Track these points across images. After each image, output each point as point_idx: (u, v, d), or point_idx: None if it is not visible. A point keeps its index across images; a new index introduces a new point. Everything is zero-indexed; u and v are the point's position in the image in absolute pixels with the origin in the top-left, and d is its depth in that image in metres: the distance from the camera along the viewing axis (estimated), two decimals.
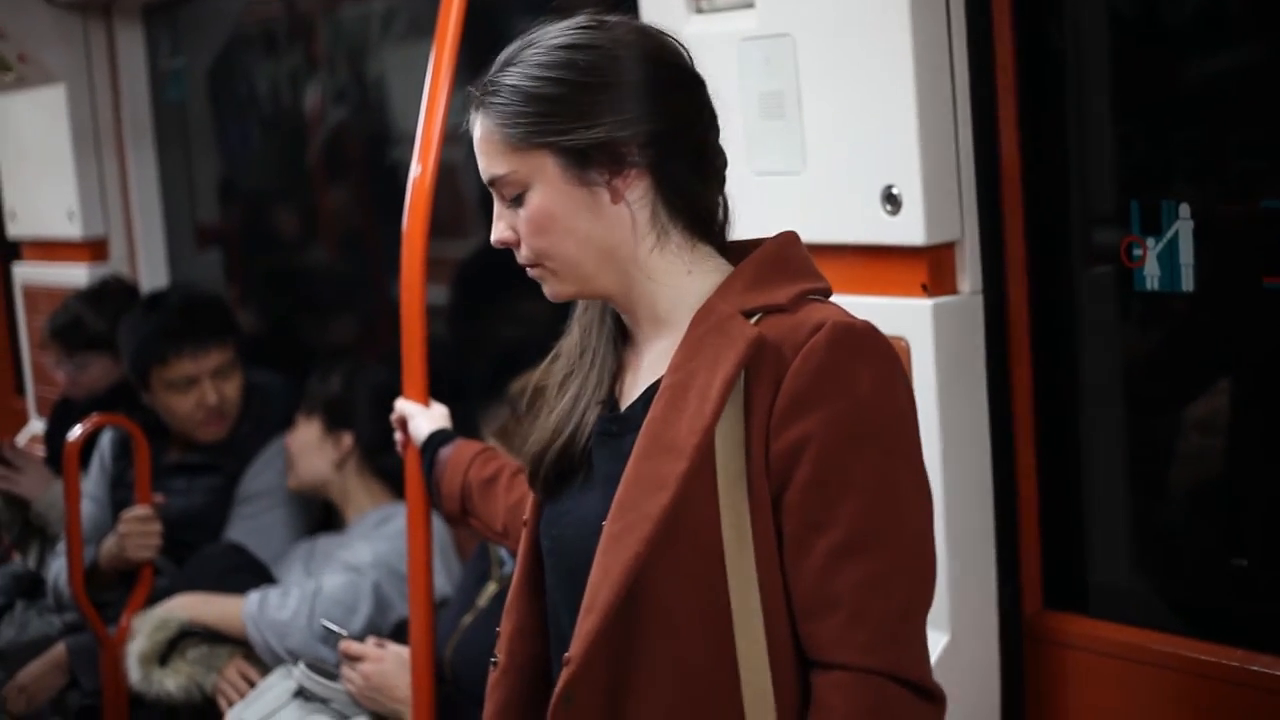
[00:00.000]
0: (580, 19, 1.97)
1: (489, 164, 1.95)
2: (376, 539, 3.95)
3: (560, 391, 2.08)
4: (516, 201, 1.95)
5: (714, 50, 2.94)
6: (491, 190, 1.98)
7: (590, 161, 1.91)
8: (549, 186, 1.92)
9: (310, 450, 4.19)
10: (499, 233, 1.99)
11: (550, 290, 2.00)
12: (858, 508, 1.83)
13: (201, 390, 4.44)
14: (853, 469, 1.84)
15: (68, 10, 5.72)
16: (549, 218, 1.93)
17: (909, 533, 1.87)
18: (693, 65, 2.00)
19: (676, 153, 1.95)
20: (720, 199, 2.02)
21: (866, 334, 1.88)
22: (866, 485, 1.84)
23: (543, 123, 1.90)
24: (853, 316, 1.91)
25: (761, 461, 1.85)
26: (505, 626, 2.11)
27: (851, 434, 1.84)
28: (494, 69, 1.97)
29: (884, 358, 1.89)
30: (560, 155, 1.91)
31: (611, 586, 1.84)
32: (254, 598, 3.91)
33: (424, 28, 4.50)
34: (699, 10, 3.05)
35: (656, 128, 1.92)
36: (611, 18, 1.99)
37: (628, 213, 1.94)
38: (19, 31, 5.66)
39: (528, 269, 2.00)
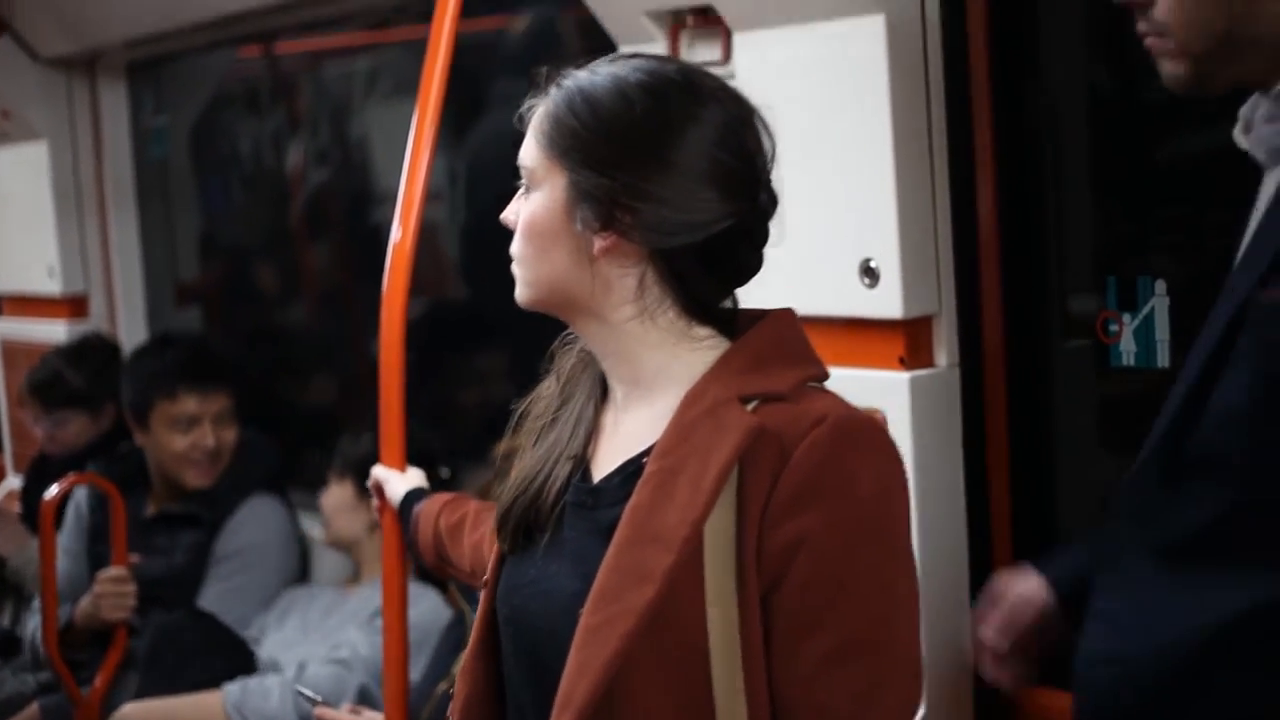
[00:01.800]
0: (678, 68, 1.88)
1: (524, 149, 1.89)
2: (372, 632, 3.91)
3: (535, 440, 2.01)
4: (526, 194, 1.89)
5: None
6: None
7: (585, 204, 1.83)
8: (550, 201, 1.85)
9: (344, 511, 4.20)
10: (507, 212, 1.92)
11: (517, 293, 1.93)
12: (852, 613, 1.76)
13: (202, 431, 4.46)
14: (849, 572, 1.76)
15: (52, 67, 5.74)
16: (535, 230, 1.87)
17: (902, 640, 1.80)
18: (760, 169, 1.88)
19: (687, 247, 1.84)
20: (733, 296, 1.92)
21: (870, 430, 1.82)
22: (862, 590, 1.76)
23: (568, 142, 1.83)
24: (855, 409, 1.83)
25: (753, 557, 1.75)
26: (460, 689, 2.03)
27: (850, 535, 1.75)
28: (578, 66, 1.89)
29: (886, 456, 1.81)
30: (572, 186, 1.83)
31: (589, 684, 1.74)
32: (234, 690, 3.91)
33: (407, 88, 4.53)
34: None
35: (669, 215, 1.81)
36: (712, 78, 1.88)
37: (605, 275, 1.85)
38: (3, 87, 5.69)
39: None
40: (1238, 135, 1.93)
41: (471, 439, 3.81)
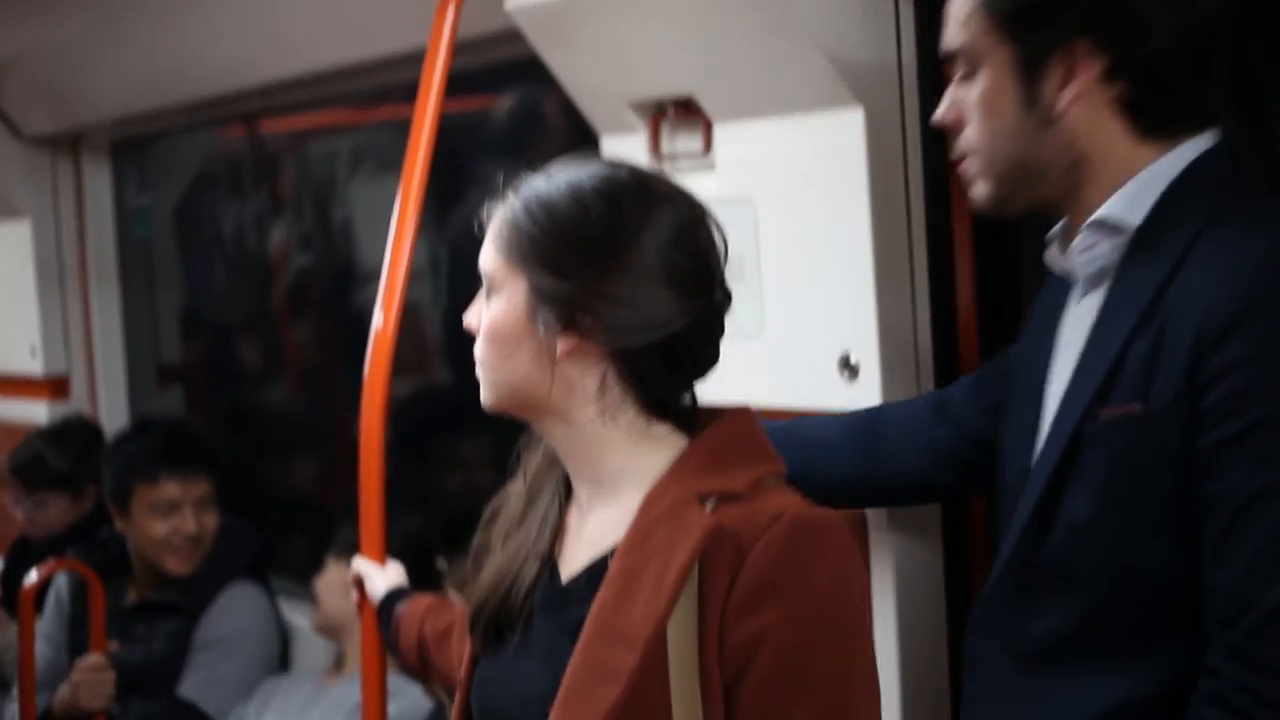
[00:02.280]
0: (631, 172, 1.92)
1: (483, 254, 1.92)
2: None
3: (504, 541, 2.03)
4: (488, 299, 1.92)
5: None
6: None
7: (545, 307, 1.86)
8: (510, 305, 1.88)
9: (339, 592, 4.15)
10: (469, 318, 1.96)
11: (481, 397, 1.96)
12: (812, 708, 1.78)
13: (183, 517, 4.42)
14: (808, 668, 1.78)
15: (36, 145, 5.76)
16: (496, 334, 1.90)
17: None
18: (714, 267, 1.91)
19: (647, 345, 1.87)
20: (691, 393, 1.95)
21: (826, 526, 1.83)
22: (821, 685, 1.78)
23: (527, 248, 1.86)
24: (812, 506, 1.85)
25: (715, 653, 1.78)
26: None
27: (808, 631, 1.78)
28: (532, 174, 1.93)
29: (842, 551, 1.83)
30: (531, 286, 1.86)
31: None
32: None
33: (390, 165, 4.54)
34: (660, 172, 3.07)
35: (629, 316, 1.85)
36: (664, 181, 1.93)
37: (567, 375, 1.88)
38: None
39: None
40: (1051, 257, 2.12)
41: (467, 527, 3.79)
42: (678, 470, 1.88)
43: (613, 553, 1.87)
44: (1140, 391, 1.91)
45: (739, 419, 1.94)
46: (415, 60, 3.08)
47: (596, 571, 1.89)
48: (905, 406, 2.52)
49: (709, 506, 1.82)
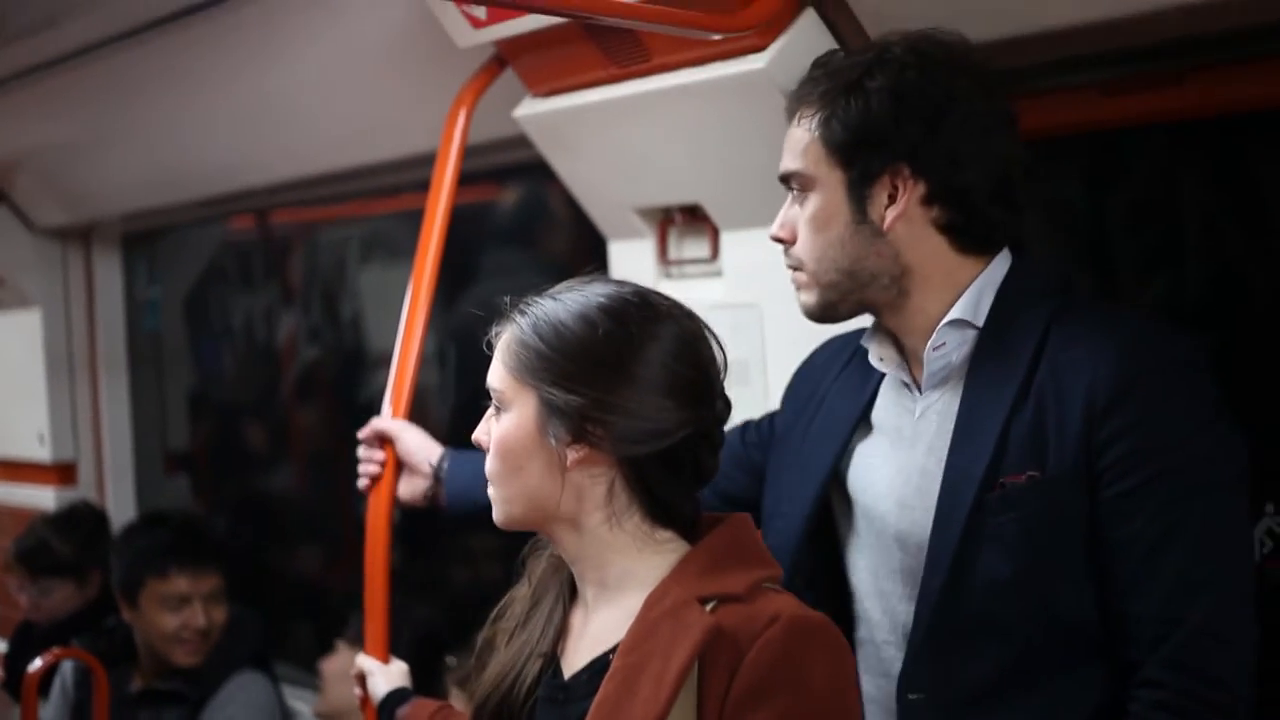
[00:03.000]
0: (634, 290, 1.99)
1: (492, 372, 1.99)
2: None
3: (509, 640, 2.09)
4: (497, 415, 1.98)
5: None
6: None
7: (556, 420, 1.93)
8: (521, 420, 1.95)
9: (345, 680, 4.13)
10: (478, 436, 2.02)
11: (494, 514, 2.03)
12: None
13: (192, 611, 4.41)
14: None
15: (48, 237, 5.81)
16: (507, 449, 1.96)
17: None
18: (714, 378, 2.00)
19: (653, 454, 1.94)
20: (694, 499, 2.02)
21: (820, 629, 1.89)
22: None
23: (537, 364, 1.93)
24: (808, 609, 1.90)
25: None
26: None
27: None
28: (538, 295, 2.00)
29: (837, 653, 1.89)
30: (540, 400, 1.93)
31: None
32: None
33: (399, 253, 4.58)
34: (668, 276, 3.12)
35: (637, 425, 1.92)
36: (665, 298, 2.00)
37: (577, 483, 1.95)
38: None
39: None
40: (874, 360, 2.36)
41: (474, 621, 3.78)
42: (679, 573, 1.94)
43: (615, 650, 1.92)
44: (1034, 462, 2.15)
45: (737, 526, 2.00)
46: (426, 161, 3.13)
47: (598, 668, 1.94)
48: None
49: (709, 608, 1.88)
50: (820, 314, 2.34)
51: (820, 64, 2.35)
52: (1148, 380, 2.12)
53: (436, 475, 2.90)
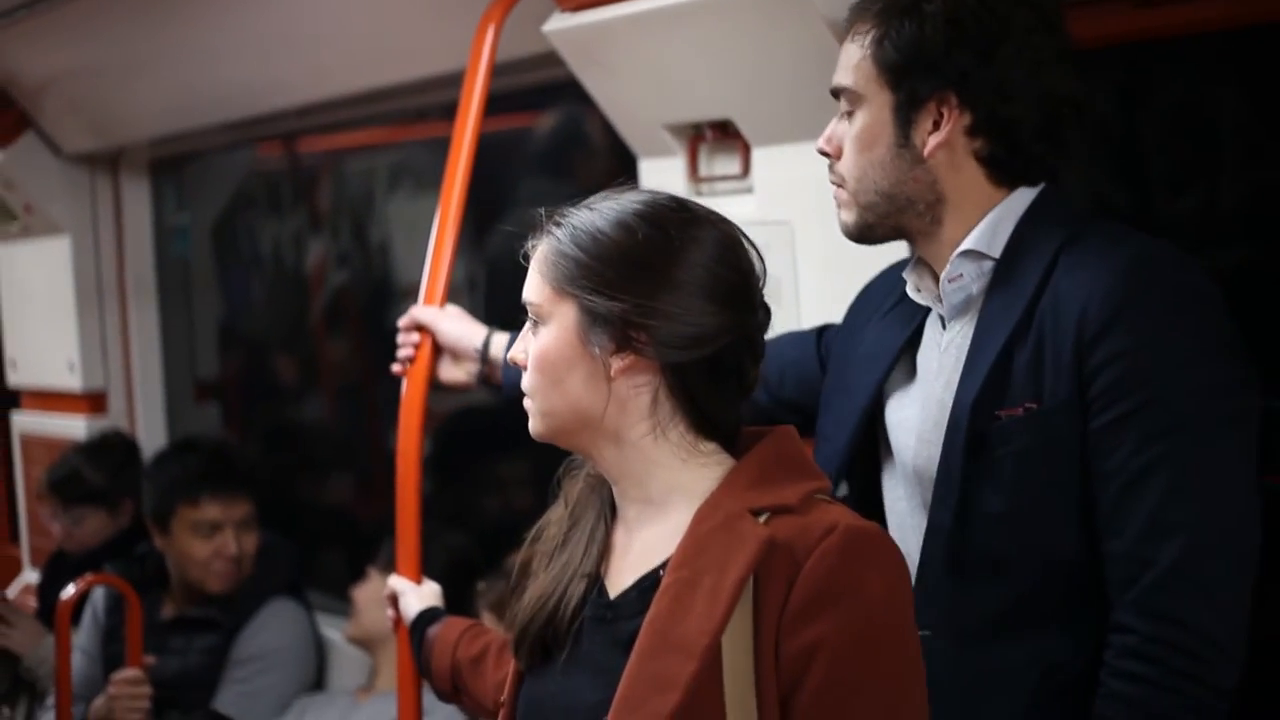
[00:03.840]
0: (670, 196, 1.98)
1: (528, 287, 1.97)
2: None
3: (548, 563, 2.05)
4: (535, 329, 1.96)
5: None
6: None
7: (598, 328, 1.90)
8: (561, 332, 1.92)
9: (377, 605, 4.13)
10: (514, 354, 2.01)
11: (530, 426, 2.00)
12: (867, 715, 1.81)
13: (224, 538, 4.42)
14: (864, 676, 1.81)
15: (76, 164, 5.79)
16: (548, 361, 1.93)
17: None
18: (755, 284, 1.97)
19: (696, 361, 1.91)
20: (737, 409, 1.99)
21: (877, 539, 1.87)
22: (876, 692, 1.82)
23: (576, 272, 1.90)
24: (862, 520, 1.88)
25: (771, 663, 1.81)
26: None
27: (863, 640, 1.81)
28: (573, 206, 1.97)
29: (893, 564, 1.87)
30: (580, 309, 1.91)
31: None
32: None
33: (428, 183, 4.56)
34: (698, 194, 3.09)
35: (680, 330, 1.89)
36: (702, 206, 1.98)
37: (621, 394, 1.92)
38: (26, 182, 5.74)
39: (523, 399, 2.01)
40: (911, 291, 2.35)
41: (508, 547, 3.77)
42: (729, 486, 1.91)
43: (664, 567, 1.89)
44: (1033, 392, 2.13)
45: (784, 438, 1.97)
46: (454, 81, 3.11)
47: (647, 586, 1.91)
48: None
49: (763, 520, 1.86)
50: (857, 234, 2.33)
51: None
52: (1141, 306, 2.09)
53: (484, 356, 2.92)
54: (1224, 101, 2.72)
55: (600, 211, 1.93)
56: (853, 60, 2.27)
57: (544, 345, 1.94)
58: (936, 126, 2.23)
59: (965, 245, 2.24)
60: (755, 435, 1.98)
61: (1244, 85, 2.68)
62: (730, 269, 1.92)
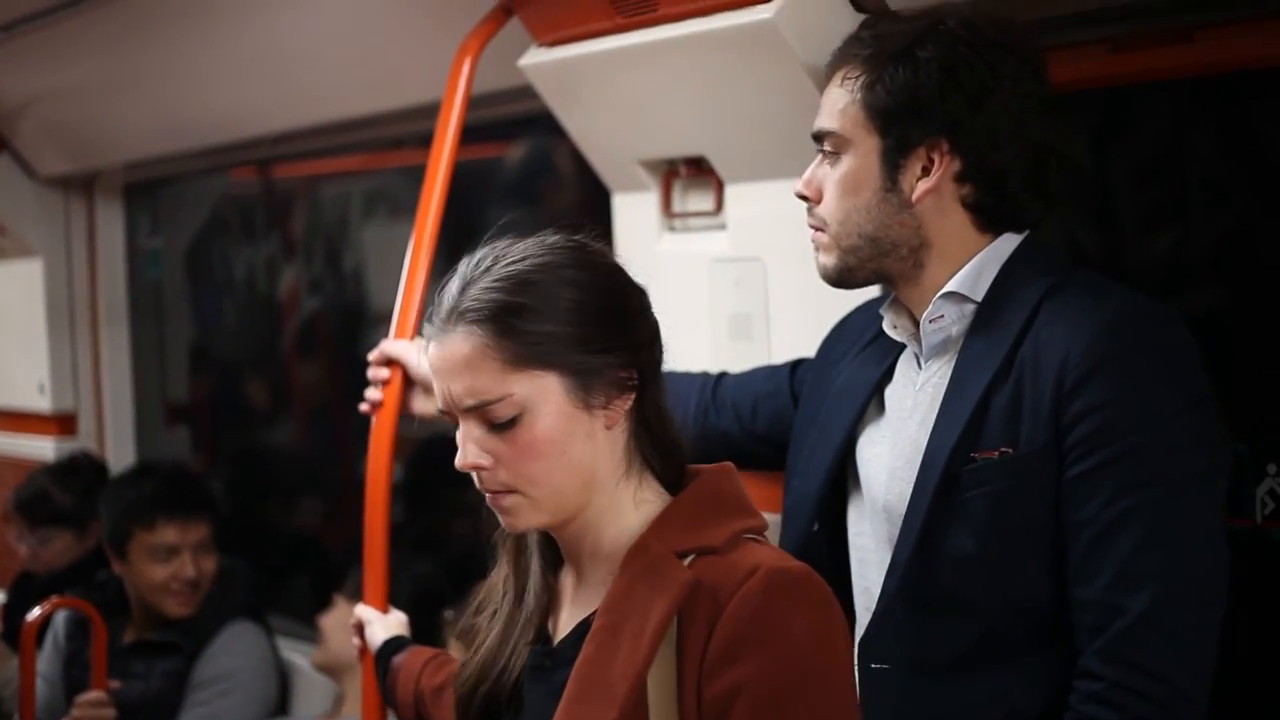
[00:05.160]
0: (552, 237, 1.93)
1: (476, 385, 1.84)
2: None
3: (489, 627, 2.03)
4: (504, 425, 1.85)
5: (685, 269, 3.02)
6: (461, 414, 1.88)
7: (596, 386, 1.86)
8: (552, 410, 1.85)
9: (343, 632, 4.12)
10: (472, 457, 1.88)
11: (517, 520, 1.90)
12: None
13: (182, 561, 4.40)
14: (787, 718, 1.78)
15: (50, 186, 5.80)
16: (550, 443, 1.85)
17: None
18: None
19: (655, 378, 1.92)
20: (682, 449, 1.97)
21: (802, 579, 1.84)
22: None
23: (557, 341, 1.84)
24: (788, 560, 1.86)
25: (694, 706, 1.79)
26: None
27: (784, 683, 1.77)
28: (471, 282, 1.87)
29: (819, 604, 1.83)
30: (570, 377, 1.85)
31: None
32: None
33: (402, 210, 4.57)
34: (671, 229, 3.11)
35: (646, 352, 1.90)
36: (584, 237, 1.95)
37: (615, 439, 1.90)
38: (0, 204, 5.74)
39: (496, 496, 1.90)
40: (888, 328, 2.36)
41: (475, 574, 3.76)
42: (658, 527, 1.89)
43: (597, 610, 1.88)
44: (1009, 437, 2.15)
45: (719, 476, 1.95)
46: (430, 112, 3.11)
47: (582, 631, 1.89)
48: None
49: (688, 562, 1.84)
50: (837, 277, 2.34)
51: (869, 26, 2.34)
52: (1121, 360, 2.10)
53: None
54: (1198, 146, 2.75)
55: (530, 279, 1.86)
56: (839, 104, 2.28)
57: (540, 430, 1.85)
58: (926, 172, 2.24)
59: (949, 287, 2.26)
60: (695, 473, 1.95)
61: (1218, 130, 2.70)
62: (636, 282, 1.95)
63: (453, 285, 1.89)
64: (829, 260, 2.32)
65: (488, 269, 1.87)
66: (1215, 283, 2.70)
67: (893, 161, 2.25)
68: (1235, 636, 2.18)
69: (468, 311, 1.85)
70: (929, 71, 2.21)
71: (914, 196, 2.24)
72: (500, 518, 1.93)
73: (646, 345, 1.91)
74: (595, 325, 1.86)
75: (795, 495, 2.45)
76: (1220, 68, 2.52)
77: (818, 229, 2.33)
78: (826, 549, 2.40)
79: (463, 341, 1.85)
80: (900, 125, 2.23)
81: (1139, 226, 2.83)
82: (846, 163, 2.28)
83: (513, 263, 1.87)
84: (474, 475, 1.91)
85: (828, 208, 2.30)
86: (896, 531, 2.26)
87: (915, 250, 2.27)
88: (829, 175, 2.30)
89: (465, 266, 1.90)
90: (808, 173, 2.33)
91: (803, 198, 2.34)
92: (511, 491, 1.88)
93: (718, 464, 1.97)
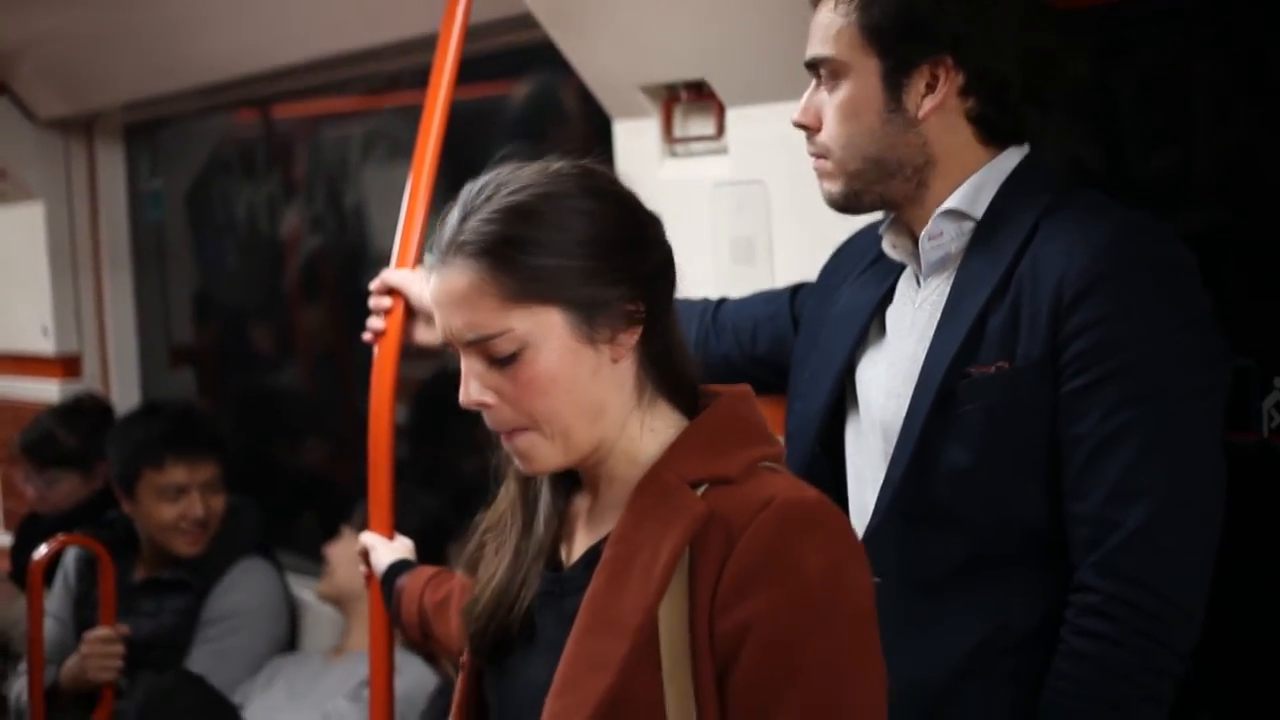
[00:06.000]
0: (558, 164, 1.85)
1: (475, 319, 1.79)
2: (360, 703, 3.89)
3: (499, 553, 1.97)
4: (505, 360, 1.80)
5: (687, 195, 3.01)
6: (463, 348, 1.82)
7: (600, 320, 1.80)
8: (555, 345, 1.79)
9: (350, 563, 4.12)
10: (475, 393, 1.83)
11: (534, 463, 1.85)
12: (804, 697, 1.72)
13: (190, 500, 4.42)
14: (799, 655, 1.72)
15: (50, 129, 5.79)
16: (552, 380, 1.79)
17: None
18: None
19: (666, 309, 1.86)
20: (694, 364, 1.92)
21: (816, 510, 1.78)
22: (812, 673, 1.72)
23: (558, 275, 1.78)
24: (804, 489, 1.80)
25: (706, 640, 1.74)
26: None
27: (796, 618, 1.72)
28: (472, 212, 1.81)
29: (834, 535, 1.78)
30: (572, 310, 1.79)
31: None
32: None
33: (402, 151, 4.56)
34: (673, 154, 3.11)
35: (655, 284, 1.84)
36: (591, 163, 1.88)
37: (619, 374, 1.83)
38: (0, 148, 5.73)
39: (509, 438, 1.85)
40: (887, 248, 2.36)
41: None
42: (672, 454, 1.84)
43: (607, 538, 1.83)
44: (1005, 352, 2.15)
45: (736, 401, 1.90)
46: (428, 45, 3.10)
47: (592, 558, 1.84)
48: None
49: (701, 492, 1.79)
50: (844, 203, 2.31)
51: None
52: (1119, 276, 2.10)
53: None
54: (1199, 64, 2.73)
55: (530, 209, 1.80)
56: (832, 29, 2.25)
57: (542, 366, 1.79)
58: (930, 89, 2.22)
59: (948, 205, 2.25)
60: (710, 396, 1.90)
61: (1220, 48, 2.69)
62: (649, 210, 1.89)
63: (453, 215, 1.83)
64: (834, 187, 2.30)
65: (489, 198, 1.81)
66: (1220, 200, 2.69)
67: (895, 82, 2.22)
68: (1243, 549, 2.18)
69: (466, 244, 1.79)
70: None
71: (920, 114, 2.22)
72: (517, 461, 1.88)
73: (657, 276, 1.85)
74: (600, 258, 1.79)
75: (798, 418, 2.45)
76: None
77: (820, 156, 2.30)
78: (829, 470, 2.41)
79: (461, 274, 1.79)
80: (901, 45, 2.21)
81: (1140, 145, 2.82)
82: (846, 87, 2.25)
83: (513, 192, 1.81)
84: (484, 416, 1.86)
85: (829, 134, 2.28)
86: (890, 448, 2.26)
87: (919, 169, 2.25)
88: (827, 101, 2.27)
89: (467, 194, 1.84)
90: (804, 100, 2.31)
91: (802, 126, 2.31)
92: (523, 429, 1.83)
93: (735, 386, 1.91)
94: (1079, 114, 2.78)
